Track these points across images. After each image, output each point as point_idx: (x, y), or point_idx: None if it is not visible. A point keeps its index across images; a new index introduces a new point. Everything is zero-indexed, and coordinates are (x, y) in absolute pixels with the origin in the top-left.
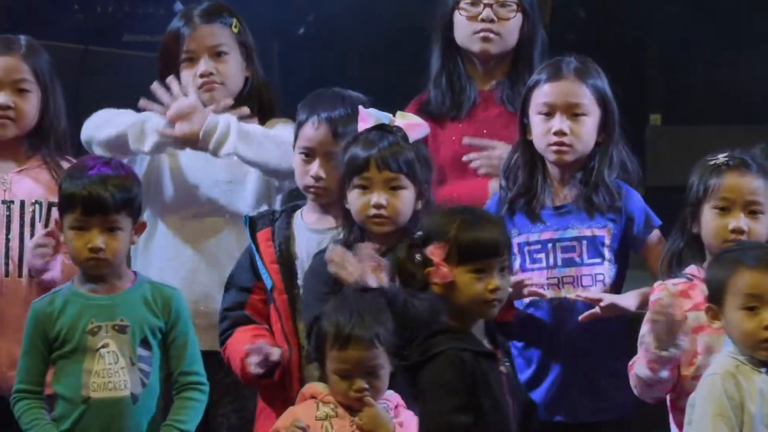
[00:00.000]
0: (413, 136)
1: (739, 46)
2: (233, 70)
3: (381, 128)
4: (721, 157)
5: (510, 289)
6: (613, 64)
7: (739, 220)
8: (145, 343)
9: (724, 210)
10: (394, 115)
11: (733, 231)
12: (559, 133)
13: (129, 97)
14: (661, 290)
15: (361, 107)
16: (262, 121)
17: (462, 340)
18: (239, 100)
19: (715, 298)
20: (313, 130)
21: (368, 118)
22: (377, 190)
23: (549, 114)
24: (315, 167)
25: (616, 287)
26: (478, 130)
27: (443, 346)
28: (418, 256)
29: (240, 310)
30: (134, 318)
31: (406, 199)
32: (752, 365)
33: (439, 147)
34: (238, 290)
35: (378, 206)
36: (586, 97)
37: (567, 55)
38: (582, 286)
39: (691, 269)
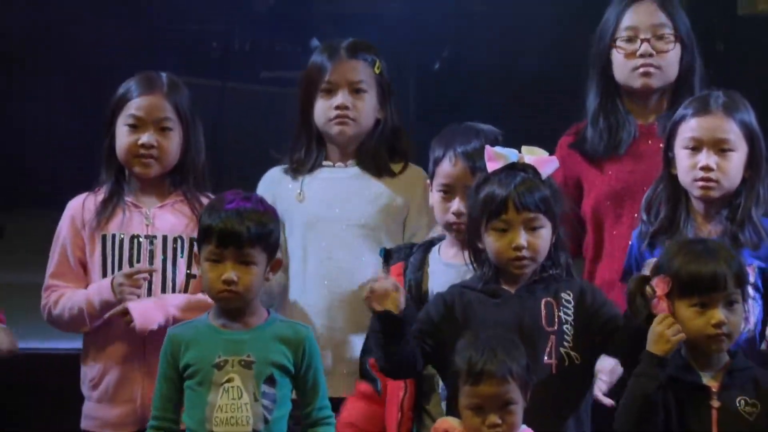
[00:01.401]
0: (544, 172)
1: None
2: (368, 109)
3: (512, 167)
4: None
5: (742, 325)
6: (750, 99)
7: None
8: (270, 380)
9: None
10: (520, 151)
11: None
12: (706, 168)
13: (266, 132)
14: None
15: (488, 146)
16: (393, 163)
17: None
18: (368, 140)
19: None
20: (450, 167)
21: (497, 157)
22: (517, 231)
23: (695, 149)
24: (456, 203)
25: (762, 325)
26: (638, 165)
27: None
28: (648, 289)
29: None
30: (262, 355)
31: (545, 238)
32: None
33: (593, 184)
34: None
35: (519, 248)
36: (733, 133)
37: (714, 89)
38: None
39: None
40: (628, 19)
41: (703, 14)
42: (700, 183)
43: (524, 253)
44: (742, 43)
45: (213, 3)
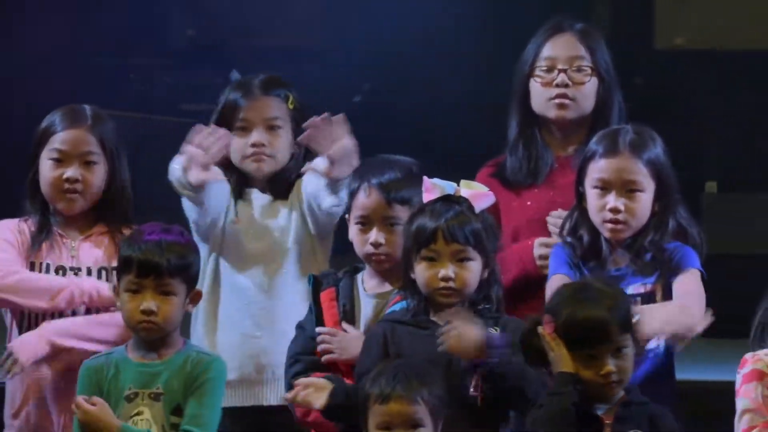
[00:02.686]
0: (479, 206)
1: None
2: (284, 145)
3: (446, 199)
4: None
5: (630, 367)
6: (668, 132)
7: None
8: (178, 411)
9: None
10: (458, 185)
11: None
12: (614, 210)
13: None
14: (754, 362)
15: (425, 178)
16: None
17: (559, 401)
18: (282, 174)
19: None
20: (365, 198)
21: (433, 189)
22: (445, 262)
23: (604, 189)
24: (374, 234)
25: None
26: (555, 196)
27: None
28: (539, 329)
29: (313, 355)
30: (170, 386)
31: (473, 271)
32: None
33: (513, 212)
34: (309, 338)
35: (446, 279)
36: (641, 174)
37: (624, 124)
38: None
39: None
40: (548, 49)
41: (621, 48)
42: (609, 225)
43: (451, 284)
44: (659, 77)
45: (134, 35)
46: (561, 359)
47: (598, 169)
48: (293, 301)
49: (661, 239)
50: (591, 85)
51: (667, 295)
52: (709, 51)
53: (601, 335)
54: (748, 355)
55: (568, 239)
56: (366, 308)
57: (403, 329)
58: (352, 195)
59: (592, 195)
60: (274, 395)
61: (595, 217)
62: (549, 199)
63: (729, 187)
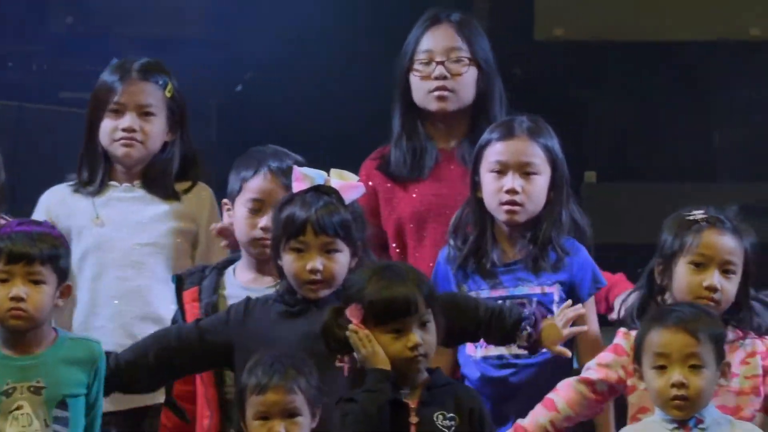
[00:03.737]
0: (348, 197)
1: (674, 105)
2: (156, 132)
3: (317, 189)
4: (699, 214)
5: (434, 341)
6: (548, 122)
7: (713, 278)
8: (63, 404)
9: (700, 266)
10: (328, 174)
11: (708, 288)
12: (512, 191)
13: (65, 154)
14: (623, 337)
15: (295, 167)
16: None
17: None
18: (154, 163)
19: (638, 357)
20: (263, 182)
21: (303, 178)
22: (313, 254)
23: (501, 172)
24: (266, 219)
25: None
26: (440, 188)
27: (349, 394)
28: (341, 320)
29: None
30: (52, 379)
31: (341, 263)
32: (666, 422)
33: (398, 205)
34: None
35: (314, 271)
36: (537, 156)
37: (518, 114)
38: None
39: None
40: (426, 42)
41: (500, 39)
42: (506, 207)
43: (319, 276)
44: (538, 68)
45: (11, 23)
46: (374, 356)
47: (495, 152)
48: (168, 301)
49: (558, 233)
50: (470, 75)
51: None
52: (587, 42)
53: (408, 307)
54: (623, 329)
55: (452, 242)
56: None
57: (276, 306)
58: (245, 179)
59: (488, 179)
60: (149, 396)
61: (491, 201)
62: (434, 192)
63: (608, 176)
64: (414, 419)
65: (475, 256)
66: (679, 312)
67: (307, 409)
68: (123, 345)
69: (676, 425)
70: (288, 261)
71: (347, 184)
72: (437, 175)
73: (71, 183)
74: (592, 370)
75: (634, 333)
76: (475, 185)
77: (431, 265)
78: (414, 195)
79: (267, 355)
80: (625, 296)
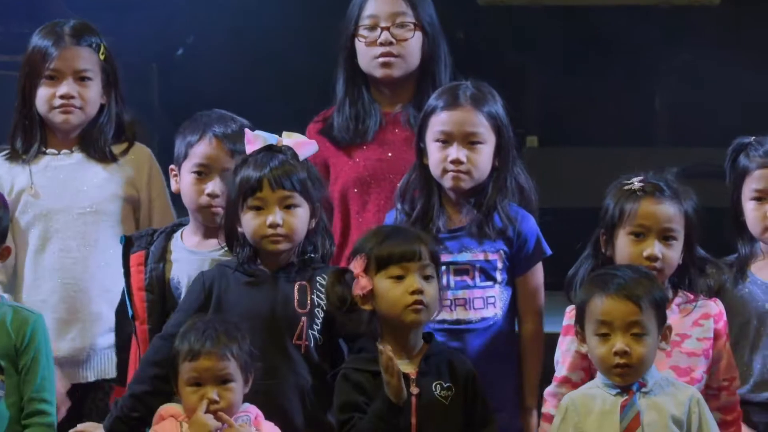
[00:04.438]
0: (302, 154)
1: (613, 70)
2: (93, 97)
3: (270, 149)
4: (636, 182)
5: (436, 294)
6: (497, 87)
7: (653, 248)
8: None
9: (639, 236)
10: (280, 136)
11: (648, 258)
12: (456, 162)
13: None
14: (571, 317)
15: (247, 129)
16: (118, 143)
17: (362, 360)
18: (93, 126)
19: (580, 321)
20: (208, 148)
21: (255, 140)
22: (272, 209)
23: (446, 142)
24: (211, 185)
25: (511, 309)
26: (384, 153)
27: (346, 365)
28: (346, 276)
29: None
30: None
31: (301, 217)
32: (609, 387)
33: (341, 169)
34: (128, 318)
35: (274, 225)
36: (482, 126)
37: (462, 78)
38: (474, 308)
39: None
40: (370, 7)
41: (443, 3)
42: (452, 174)
43: (279, 230)
44: (481, 32)
45: None
46: (392, 387)
47: (440, 122)
48: (113, 271)
49: (503, 199)
50: (415, 40)
51: (512, 272)
52: (530, 7)
53: (412, 253)
54: (569, 308)
55: (399, 206)
56: (188, 266)
57: (233, 276)
58: (190, 144)
59: (433, 148)
60: (92, 372)
61: (437, 169)
62: (378, 157)
63: (550, 141)
64: (414, 390)
65: (422, 222)
66: (620, 278)
67: (239, 374)
68: (66, 319)
69: (618, 390)
70: (247, 219)
71: (300, 141)
72: (381, 139)
73: (4, 152)
74: (560, 365)
75: None
76: (421, 152)
77: None
78: (357, 160)
79: (199, 320)
80: (573, 268)
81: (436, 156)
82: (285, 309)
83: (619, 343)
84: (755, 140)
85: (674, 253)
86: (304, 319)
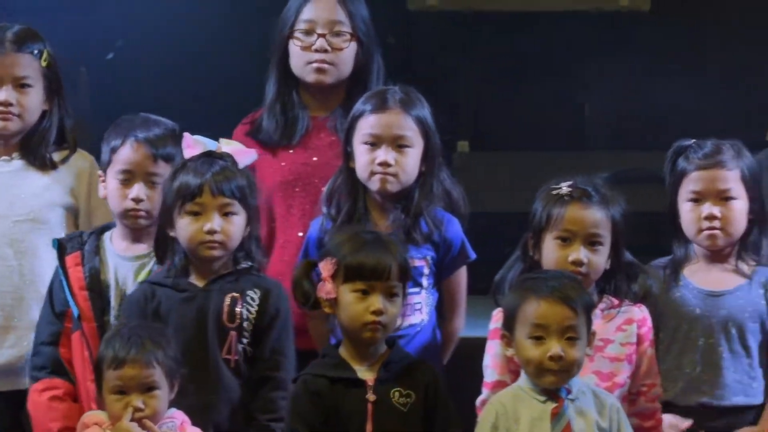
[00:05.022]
0: (242, 162)
1: (544, 74)
2: (33, 104)
3: (210, 155)
4: (565, 187)
5: (399, 318)
6: (421, 93)
7: (579, 253)
8: None
9: (566, 241)
10: (215, 139)
11: (573, 263)
12: (384, 164)
13: None
14: (498, 319)
15: (186, 134)
16: (60, 150)
17: (323, 365)
18: (34, 132)
19: (508, 325)
20: (131, 152)
21: (195, 145)
22: (210, 215)
23: (374, 144)
24: (136, 189)
25: (436, 312)
26: (310, 157)
27: (306, 371)
28: (312, 275)
29: (55, 346)
30: None
31: (238, 225)
32: (535, 393)
33: (268, 173)
34: (54, 316)
35: (212, 231)
36: (410, 129)
37: (391, 85)
38: (402, 315)
39: None
40: (308, 11)
41: (375, 8)
42: (379, 176)
43: (216, 237)
44: (412, 37)
45: None
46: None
47: (368, 124)
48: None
49: (429, 205)
50: (350, 50)
51: (439, 277)
52: (460, 12)
53: (380, 271)
54: (496, 311)
55: (325, 210)
56: (119, 271)
57: (163, 291)
58: (114, 150)
59: (361, 151)
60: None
61: (364, 172)
62: (304, 161)
63: (481, 146)
64: (371, 397)
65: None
66: (554, 282)
67: (165, 381)
68: (4, 327)
69: (546, 397)
70: (184, 224)
71: (240, 149)
72: (307, 143)
73: None
74: (490, 369)
75: None
76: (348, 155)
77: (300, 234)
78: (283, 163)
79: (124, 327)
80: (502, 271)
81: (363, 158)
82: (215, 323)
83: (554, 347)
84: (695, 143)
85: (600, 259)
86: (233, 333)
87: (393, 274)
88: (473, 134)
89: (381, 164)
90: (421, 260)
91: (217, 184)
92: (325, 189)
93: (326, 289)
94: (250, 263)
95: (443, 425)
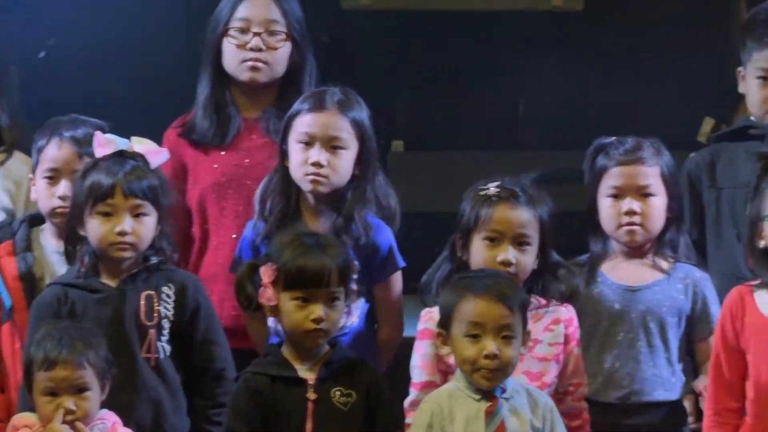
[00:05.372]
0: (154, 162)
1: (478, 74)
2: None
3: (121, 154)
4: (492, 188)
5: (341, 321)
6: (355, 91)
7: (507, 253)
8: None
9: (494, 241)
10: (130, 140)
11: (502, 263)
12: (317, 164)
13: None
14: (427, 320)
15: (98, 132)
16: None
17: (264, 364)
18: None
19: (444, 323)
20: (57, 151)
21: (106, 143)
22: (122, 216)
23: (308, 144)
24: (62, 187)
25: (370, 316)
26: (242, 158)
27: (247, 369)
28: (255, 277)
29: None
30: None
31: (149, 226)
32: (470, 392)
33: (200, 174)
34: None
35: (123, 233)
36: (346, 131)
37: (331, 85)
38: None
39: None
40: (243, 10)
41: (308, 7)
42: (311, 177)
43: (127, 238)
44: (346, 36)
45: None
46: None
47: (304, 123)
48: None
49: (362, 209)
50: (284, 49)
51: (369, 281)
52: (394, 11)
53: (320, 279)
54: (425, 312)
55: (259, 211)
56: (56, 264)
57: (76, 293)
58: (41, 150)
59: (295, 150)
60: None
61: (297, 171)
62: (236, 162)
63: (415, 146)
64: (312, 395)
65: (280, 227)
66: (490, 281)
67: (96, 382)
68: None
69: (481, 396)
70: (94, 225)
71: (152, 149)
72: (239, 145)
73: None
74: (418, 369)
75: (436, 309)
76: (283, 154)
77: (234, 236)
78: (216, 165)
79: (55, 327)
80: (430, 271)
81: (297, 157)
82: (133, 322)
83: (490, 345)
84: (616, 140)
85: (528, 258)
86: (152, 331)
87: (333, 280)
88: (407, 134)
89: (313, 164)
90: (353, 263)
91: (129, 184)
92: (258, 189)
93: (267, 295)
94: (159, 258)
95: (385, 426)
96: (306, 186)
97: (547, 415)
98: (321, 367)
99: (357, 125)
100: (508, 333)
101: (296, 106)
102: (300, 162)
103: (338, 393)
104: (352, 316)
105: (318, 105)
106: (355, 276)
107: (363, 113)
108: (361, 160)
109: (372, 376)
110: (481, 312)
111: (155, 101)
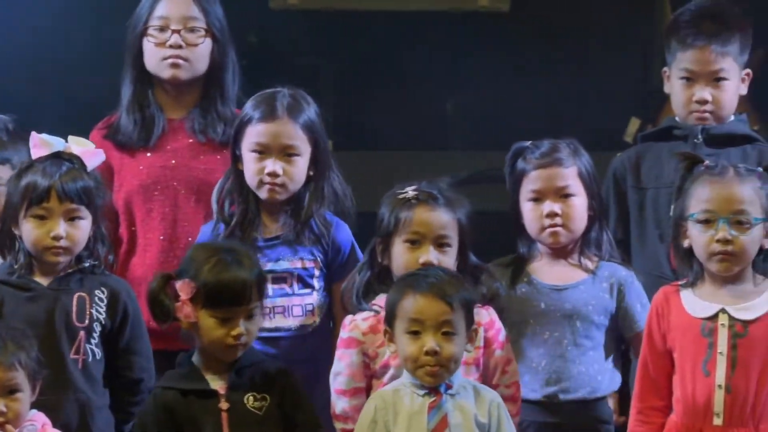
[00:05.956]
0: (90, 164)
1: (406, 74)
2: None
3: (58, 156)
4: (410, 191)
5: (257, 331)
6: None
7: (429, 254)
8: None
9: (415, 243)
10: (66, 141)
11: (423, 264)
12: (273, 174)
13: None
14: (352, 329)
15: (34, 133)
16: None
17: (174, 376)
18: None
19: (389, 321)
20: None
21: (42, 144)
22: (57, 220)
23: (262, 153)
24: None
25: (329, 314)
26: (168, 160)
27: (158, 383)
28: (169, 291)
29: None
30: None
31: (84, 229)
32: (415, 388)
33: (126, 176)
34: None
35: (57, 238)
36: (299, 138)
37: (279, 86)
38: (293, 316)
39: (380, 300)
40: (161, 8)
41: (236, 7)
42: (267, 187)
43: (62, 243)
44: (273, 36)
45: None
46: None
47: (256, 133)
48: None
49: (319, 208)
50: (205, 46)
51: (329, 279)
52: (321, 11)
53: (240, 298)
54: (348, 319)
55: (217, 213)
56: None
57: (7, 290)
58: None
59: (249, 158)
60: None
61: (252, 180)
62: (162, 164)
63: (344, 145)
64: (224, 405)
65: (240, 228)
66: (432, 278)
67: (27, 384)
68: None
69: (426, 391)
70: (28, 229)
71: (88, 150)
72: (164, 146)
73: None
74: (345, 377)
75: (360, 317)
76: (237, 158)
77: (161, 237)
78: (141, 167)
79: None
80: (350, 279)
81: (251, 167)
82: (64, 322)
83: (429, 341)
84: (532, 144)
85: (449, 260)
86: (82, 333)
87: (253, 296)
88: (335, 134)
89: (269, 174)
90: (311, 261)
91: (65, 188)
92: (214, 191)
93: (185, 312)
94: (94, 262)
95: (306, 428)
96: (263, 195)
97: (494, 411)
98: (231, 374)
99: (309, 129)
100: (448, 329)
101: (248, 111)
102: (255, 171)
103: (252, 398)
104: (314, 314)
105: (269, 114)
106: (317, 273)
107: (312, 113)
108: (315, 161)
109: (286, 378)
110: (420, 309)
111: (76, 100)
